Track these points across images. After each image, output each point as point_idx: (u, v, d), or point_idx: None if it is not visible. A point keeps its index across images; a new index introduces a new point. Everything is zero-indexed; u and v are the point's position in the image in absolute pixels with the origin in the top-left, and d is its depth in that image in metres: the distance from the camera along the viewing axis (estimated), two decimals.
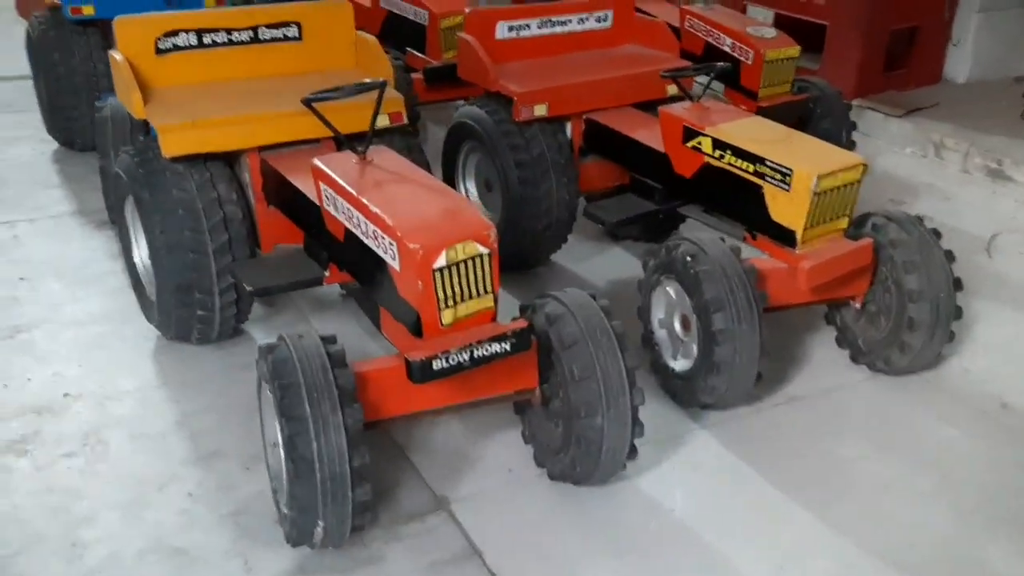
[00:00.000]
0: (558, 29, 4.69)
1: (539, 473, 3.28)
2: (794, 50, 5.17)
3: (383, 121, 3.80)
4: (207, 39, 3.95)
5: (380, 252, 2.92)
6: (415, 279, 2.76)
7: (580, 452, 3.02)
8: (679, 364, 3.62)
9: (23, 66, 6.42)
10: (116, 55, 3.78)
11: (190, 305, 3.69)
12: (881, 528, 3.08)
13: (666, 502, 3.18)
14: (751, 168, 3.61)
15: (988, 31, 7.04)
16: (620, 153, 4.32)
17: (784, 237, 3.57)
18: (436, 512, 3.13)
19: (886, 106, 6.59)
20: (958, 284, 3.66)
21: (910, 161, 6.24)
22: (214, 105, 3.73)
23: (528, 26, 4.60)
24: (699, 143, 3.81)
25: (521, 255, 4.46)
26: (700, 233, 3.58)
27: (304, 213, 3.54)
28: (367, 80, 3.19)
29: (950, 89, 7.10)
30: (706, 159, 3.81)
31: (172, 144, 3.53)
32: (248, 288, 3.44)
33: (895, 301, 3.66)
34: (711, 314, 3.33)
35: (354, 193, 3.00)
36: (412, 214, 2.86)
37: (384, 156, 3.24)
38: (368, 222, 2.94)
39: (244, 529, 3.03)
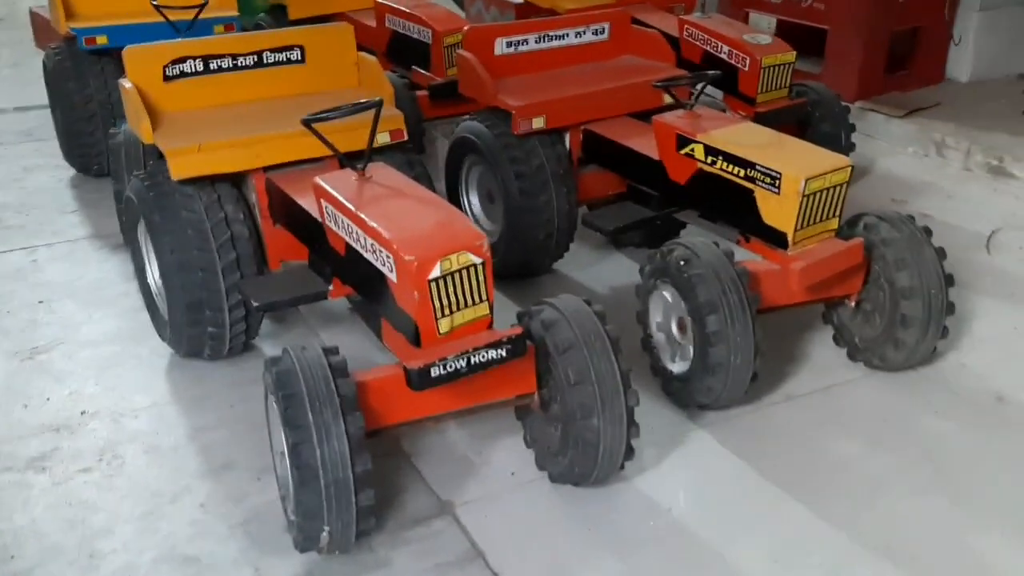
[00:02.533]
0: (556, 43, 4.78)
1: (541, 476, 3.35)
2: (790, 55, 5.23)
3: (383, 138, 3.91)
4: (213, 65, 4.07)
5: (379, 265, 3.02)
6: (412, 290, 2.85)
7: (578, 453, 3.09)
8: (677, 366, 3.69)
9: (42, 95, 6.62)
10: (126, 83, 3.91)
11: (201, 323, 3.80)
12: (877, 522, 3.13)
13: (664, 501, 3.24)
14: (742, 173, 3.68)
15: (989, 29, 7.09)
16: (617, 162, 4.40)
17: (776, 239, 3.63)
18: (441, 516, 3.21)
19: (887, 107, 6.64)
20: (950, 280, 3.71)
21: (912, 161, 6.29)
22: (220, 128, 3.85)
23: (526, 41, 4.69)
24: (692, 150, 3.89)
25: (524, 264, 4.55)
26: (694, 238, 3.66)
27: (308, 230, 3.64)
28: (364, 100, 3.29)
29: (953, 88, 7.15)
30: (699, 165, 3.88)
31: (180, 167, 3.65)
32: (254, 304, 3.55)
33: (888, 299, 3.72)
34: (705, 316, 3.40)
35: (353, 209, 3.10)
36: (407, 227, 2.96)
37: (382, 172, 3.34)
38: (367, 236, 3.03)
39: (254, 538, 3.12)
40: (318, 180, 3.33)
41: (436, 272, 2.83)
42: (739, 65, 5.24)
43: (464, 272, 2.88)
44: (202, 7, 5.23)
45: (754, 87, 5.20)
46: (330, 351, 2.94)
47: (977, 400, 3.75)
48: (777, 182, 3.53)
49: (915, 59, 7.05)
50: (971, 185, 5.88)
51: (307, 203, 3.59)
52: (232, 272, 3.74)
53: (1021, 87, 7.03)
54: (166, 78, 4.01)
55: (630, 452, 3.16)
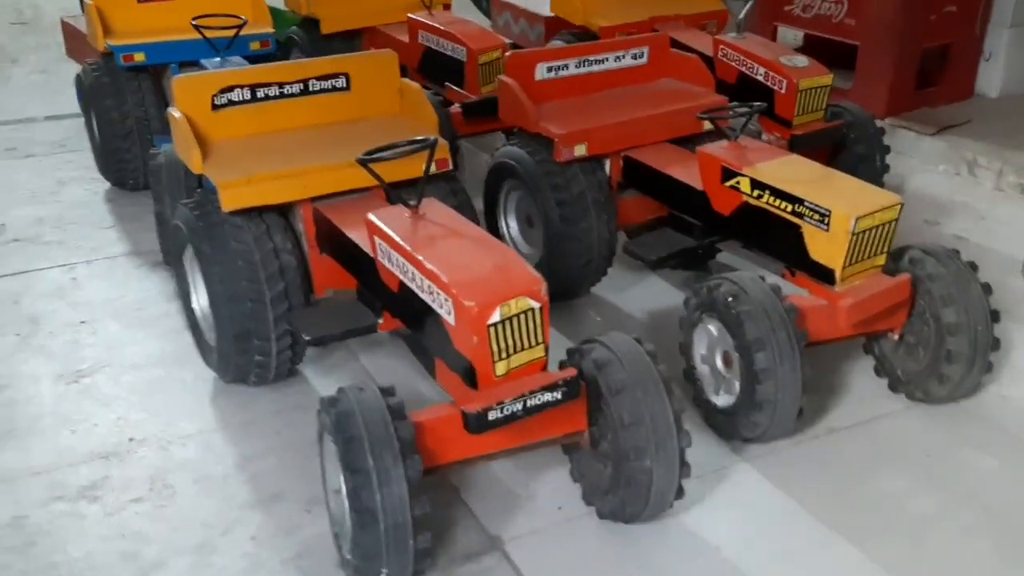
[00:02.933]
0: (595, 68, 4.79)
1: (588, 511, 3.37)
2: (827, 78, 5.22)
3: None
4: (260, 93, 4.10)
5: (435, 307, 3.04)
6: (470, 334, 2.88)
7: (629, 493, 3.12)
8: (721, 400, 3.71)
9: (71, 104, 6.65)
10: (175, 113, 3.94)
11: (248, 351, 3.83)
12: (927, 566, 3.15)
13: (712, 539, 3.27)
14: (789, 208, 3.70)
15: (1019, 45, 7.05)
16: (658, 190, 4.42)
17: (823, 275, 3.65)
18: (491, 552, 3.24)
19: (918, 124, 6.62)
20: (995, 316, 3.72)
21: (943, 179, 6.27)
22: (268, 158, 3.87)
23: (567, 66, 4.70)
24: (737, 183, 3.90)
25: (562, 288, 4.57)
26: (741, 272, 3.67)
27: (357, 262, 3.67)
28: (419, 138, 3.31)
29: (982, 104, 7.11)
30: (744, 198, 3.89)
31: (231, 199, 3.67)
32: (305, 338, 3.58)
33: (933, 334, 3.73)
34: (753, 353, 3.42)
35: (409, 249, 3.12)
36: (466, 271, 2.98)
37: (435, 210, 3.36)
38: (423, 277, 3.06)
39: (307, 573, 3.16)
40: (371, 217, 3.35)
41: (496, 317, 2.85)
42: (776, 87, 5.23)
43: (522, 316, 2.91)
44: (241, 27, 5.24)
45: (791, 110, 5.19)
46: (387, 392, 2.97)
47: (1020, 434, 3.76)
48: (826, 219, 3.54)
49: (945, 75, 7.02)
50: (1004, 206, 5.85)
51: (357, 236, 3.62)
52: (280, 302, 3.77)
53: None
54: (214, 107, 4.03)
55: (680, 492, 3.19)
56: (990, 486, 3.51)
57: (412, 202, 3.34)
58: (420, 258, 3.07)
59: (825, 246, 3.59)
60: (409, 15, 6.38)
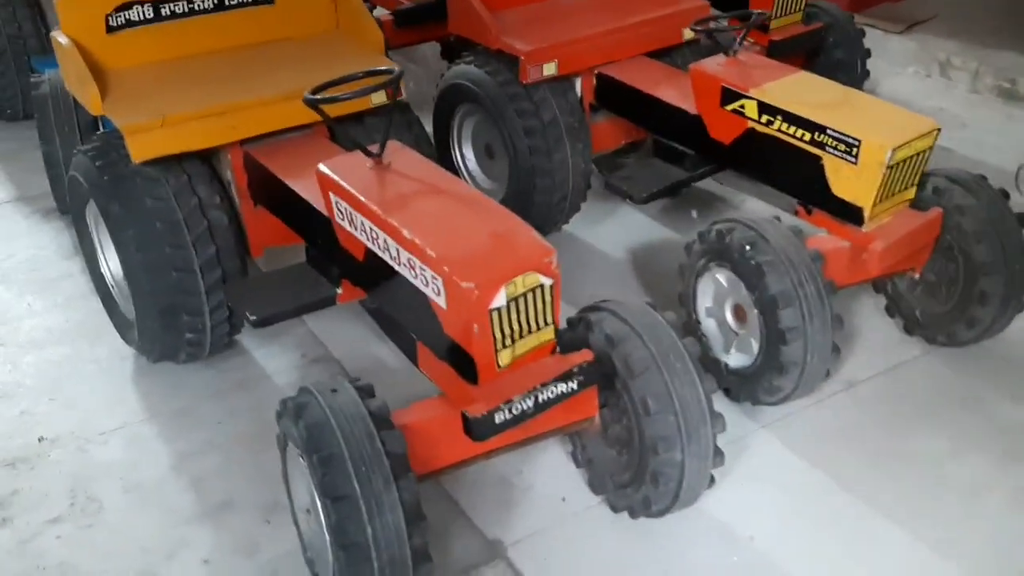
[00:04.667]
0: None
1: (596, 501, 2.93)
2: None
3: (379, 98, 3.29)
4: (165, 10, 3.37)
5: (418, 284, 2.47)
6: (468, 320, 2.33)
7: (655, 489, 2.66)
8: (733, 359, 3.27)
9: None
10: (61, 38, 3.20)
11: (178, 328, 3.21)
12: (981, 541, 2.80)
13: (744, 529, 2.85)
14: (808, 136, 3.20)
15: None
16: (641, 113, 3.87)
17: (848, 214, 3.18)
18: (492, 562, 2.76)
19: (885, 22, 6.18)
20: None
21: (915, 82, 5.88)
22: (183, 94, 3.18)
23: None
24: (741, 106, 3.38)
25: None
26: (754, 215, 3.19)
27: (304, 219, 3.06)
28: (380, 68, 2.69)
29: None
30: (750, 124, 3.38)
31: (142, 147, 2.99)
32: (251, 318, 2.97)
33: (963, 272, 3.32)
34: (778, 311, 2.96)
35: (379, 212, 2.53)
36: (459, 242, 2.41)
37: (403, 158, 2.75)
38: (402, 248, 2.48)
39: None
40: (324, 169, 2.73)
41: (500, 301, 2.31)
42: None
43: (530, 295, 2.37)
44: None
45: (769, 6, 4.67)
46: (365, 391, 2.42)
47: None
48: (855, 150, 3.06)
49: None
50: (983, 111, 5.51)
51: (303, 189, 3.00)
52: (212, 269, 3.15)
53: None
54: (109, 28, 3.30)
55: (711, 481, 2.75)
56: None
57: (374, 151, 2.72)
58: (395, 224, 2.48)
59: (852, 181, 3.11)
60: None
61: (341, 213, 2.73)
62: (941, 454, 3.12)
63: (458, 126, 4.16)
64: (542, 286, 2.38)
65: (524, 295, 2.36)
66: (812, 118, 3.17)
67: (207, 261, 3.12)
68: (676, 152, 3.78)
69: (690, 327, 3.38)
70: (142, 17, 3.33)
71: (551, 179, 3.84)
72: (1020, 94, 5.48)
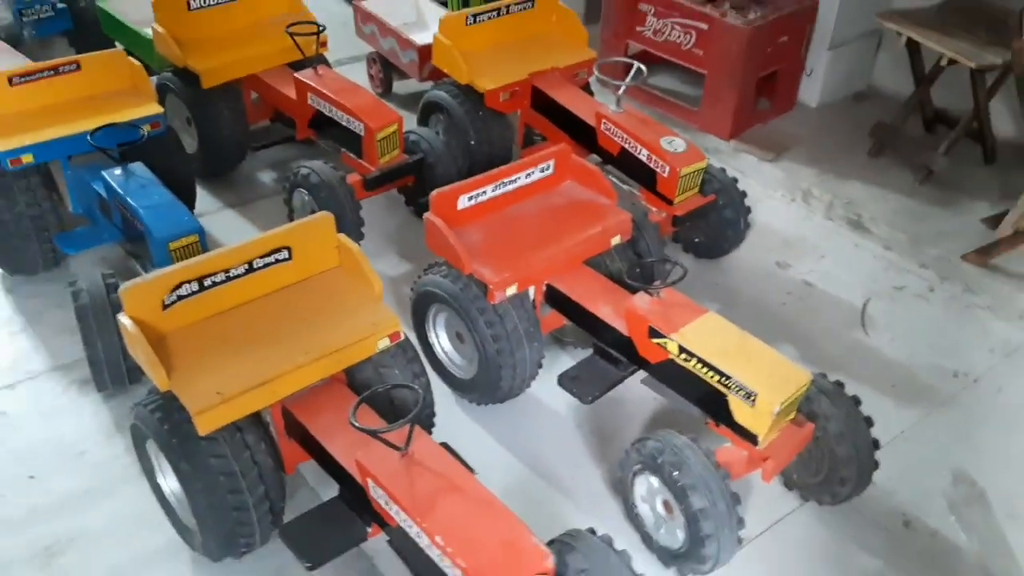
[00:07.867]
0: (510, 187, 4.61)
1: None
2: (703, 163, 5.26)
3: (384, 343, 3.73)
4: (208, 282, 3.72)
5: (443, 566, 2.98)
6: None
7: None
8: (664, 539, 3.89)
9: None
10: (126, 322, 3.52)
11: (235, 544, 3.65)
12: None
13: None
14: (716, 379, 3.80)
15: (834, 62, 7.27)
16: (584, 323, 4.40)
17: (747, 435, 3.81)
18: None
19: (758, 149, 6.79)
20: (876, 444, 4.02)
21: (782, 206, 6.49)
22: (230, 361, 3.55)
23: (484, 192, 4.50)
24: (664, 344, 3.95)
25: (496, 399, 4.56)
26: (675, 438, 3.74)
27: (336, 474, 3.53)
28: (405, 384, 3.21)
29: (804, 114, 7.36)
30: (671, 356, 3.96)
31: (207, 423, 3.37)
32: (306, 565, 3.44)
33: (827, 460, 4.01)
34: (700, 522, 3.59)
35: (410, 509, 3.03)
36: (478, 548, 2.91)
37: (424, 449, 3.24)
38: (430, 540, 2.97)
39: None
40: (361, 460, 3.22)
41: None
42: (659, 171, 5.23)
43: None
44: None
45: (673, 192, 5.23)
46: None
47: (887, 524, 4.13)
48: (753, 398, 3.68)
49: (775, 92, 7.17)
50: (836, 240, 6.14)
51: (332, 445, 3.49)
52: (263, 502, 3.59)
53: (859, 108, 7.37)
54: (164, 306, 3.64)
55: None
56: None
57: (401, 447, 3.20)
58: (427, 527, 2.98)
59: (750, 417, 3.73)
60: (296, 75, 5.83)
61: (378, 496, 3.21)
62: None
63: (432, 317, 4.62)
64: None
65: None
66: (720, 367, 3.76)
67: (259, 500, 3.56)
68: (613, 356, 4.35)
69: (628, 510, 4.00)
70: (190, 292, 3.67)
71: (512, 370, 4.36)
72: (864, 226, 6.17)
